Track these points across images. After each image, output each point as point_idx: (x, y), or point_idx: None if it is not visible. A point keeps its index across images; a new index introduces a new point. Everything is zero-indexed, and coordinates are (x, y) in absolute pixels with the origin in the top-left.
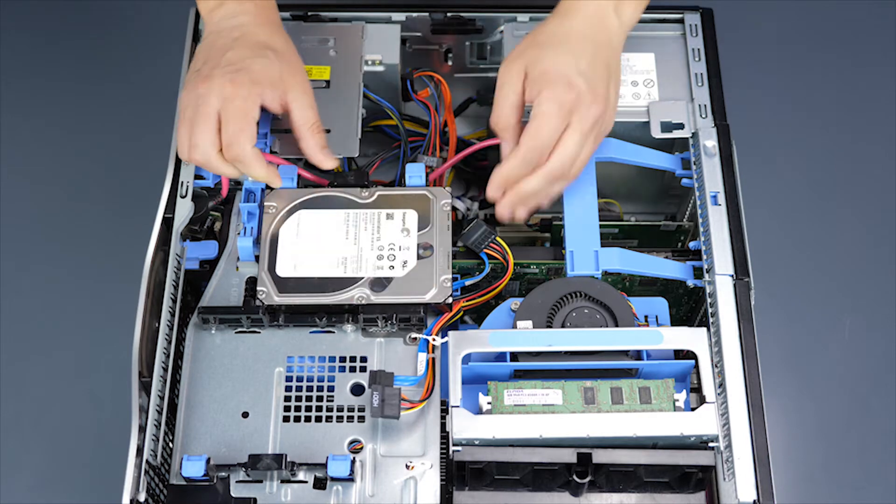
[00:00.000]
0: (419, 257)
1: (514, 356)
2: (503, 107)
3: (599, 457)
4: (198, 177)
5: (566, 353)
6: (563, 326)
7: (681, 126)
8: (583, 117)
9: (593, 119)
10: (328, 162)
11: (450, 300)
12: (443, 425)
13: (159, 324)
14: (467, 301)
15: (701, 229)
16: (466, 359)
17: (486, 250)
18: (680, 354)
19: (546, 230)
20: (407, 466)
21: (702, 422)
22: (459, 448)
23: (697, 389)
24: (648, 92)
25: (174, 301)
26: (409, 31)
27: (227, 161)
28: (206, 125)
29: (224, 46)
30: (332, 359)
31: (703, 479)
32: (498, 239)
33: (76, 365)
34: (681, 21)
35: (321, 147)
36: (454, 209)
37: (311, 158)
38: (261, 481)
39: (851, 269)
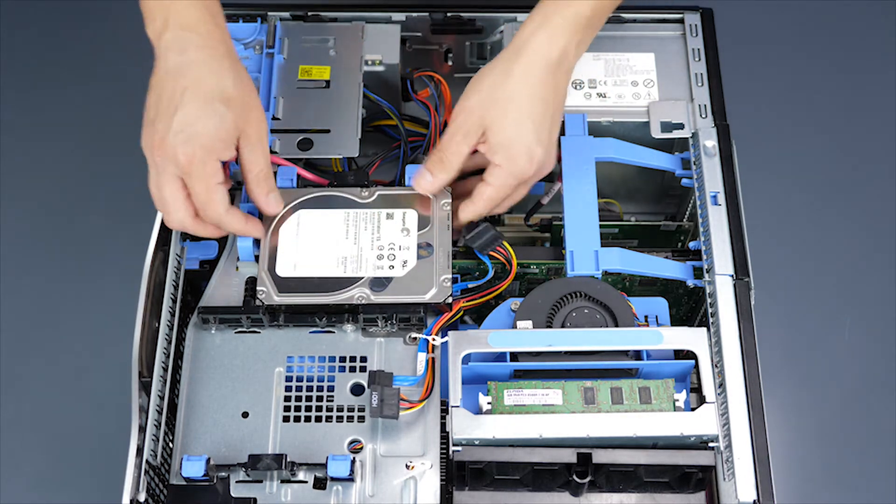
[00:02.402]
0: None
1: (514, 356)
2: (453, 153)
3: (599, 457)
4: None
5: (566, 353)
6: (563, 326)
7: (681, 126)
8: (536, 179)
9: (543, 175)
10: (272, 209)
11: (450, 300)
12: (443, 425)
13: (159, 324)
14: (467, 301)
15: (701, 229)
16: (466, 359)
17: (490, 253)
18: (680, 354)
19: (546, 230)
20: (407, 466)
21: (702, 422)
22: (459, 448)
23: (697, 389)
24: (648, 92)
25: (174, 301)
26: (409, 31)
27: (205, 222)
28: (173, 197)
29: (172, 100)
30: (332, 359)
31: (703, 479)
32: (504, 243)
33: (76, 365)
34: (681, 21)
35: (265, 193)
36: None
37: (256, 204)
38: (261, 481)
39: (851, 269)
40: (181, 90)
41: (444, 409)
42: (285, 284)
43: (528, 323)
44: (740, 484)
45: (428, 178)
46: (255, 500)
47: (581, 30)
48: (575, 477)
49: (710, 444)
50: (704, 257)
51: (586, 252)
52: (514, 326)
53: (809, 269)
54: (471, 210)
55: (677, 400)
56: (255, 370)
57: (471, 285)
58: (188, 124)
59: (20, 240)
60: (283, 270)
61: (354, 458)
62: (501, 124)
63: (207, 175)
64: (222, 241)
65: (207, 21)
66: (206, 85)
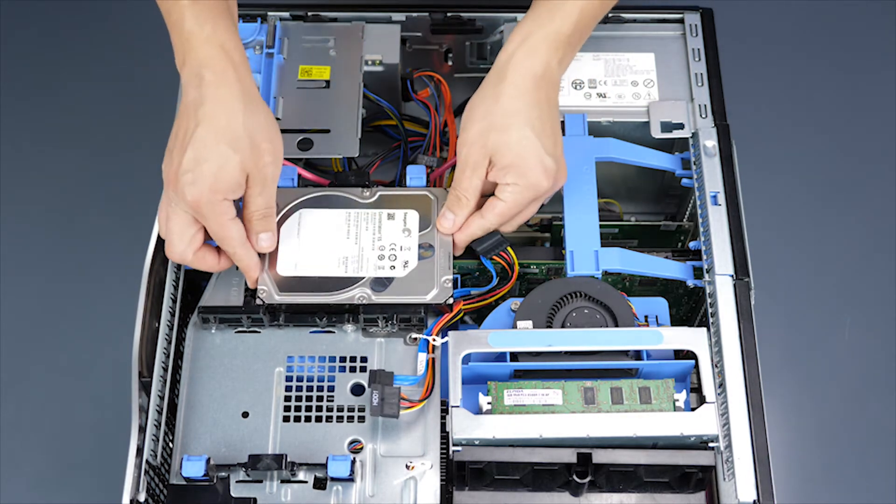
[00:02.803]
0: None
1: (514, 356)
2: (466, 189)
3: (599, 457)
4: None
5: (566, 353)
6: (563, 326)
7: (681, 126)
8: (551, 192)
9: (558, 189)
10: (259, 248)
11: (450, 301)
12: (443, 425)
13: (159, 324)
14: (466, 304)
15: (701, 229)
16: (466, 359)
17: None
18: (680, 354)
19: (546, 230)
20: (407, 466)
21: (702, 422)
22: (459, 448)
23: (697, 389)
24: (648, 92)
25: (174, 301)
26: (409, 31)
27: (204, 260)
28: (180, 232)
29: (186, 135)
30: (333, 359)
31: (703, 479)
32: (508, 248)
33: (76, 365)
34: (681, 21)
35: (256, 233)
36: None
37: (250, 241)
38: (261, 481)
39: (851, 269)
40: (193, 127)
41: (444, 409)
42: (286, 284)
43: (528, 323)
44: (740, 484)
45: (449, 216)
46: (255, 500)
47: (562, 47)
48: (575, 477)
49: (710, 444)
50: (704, 257)
51: (586, 252)
52: (514, 326)
53: (809, 269)
54: (478, 224)
55: (677, 400)
56: (255, 370)
57: (474, 292)
58: (195, 164)
59: (20, 240)
60: (283, 270)
61: (354, 458)
62: (506, 145)
63: (217, 214)
64: None
65: (222, 59)
66: (216, 125)
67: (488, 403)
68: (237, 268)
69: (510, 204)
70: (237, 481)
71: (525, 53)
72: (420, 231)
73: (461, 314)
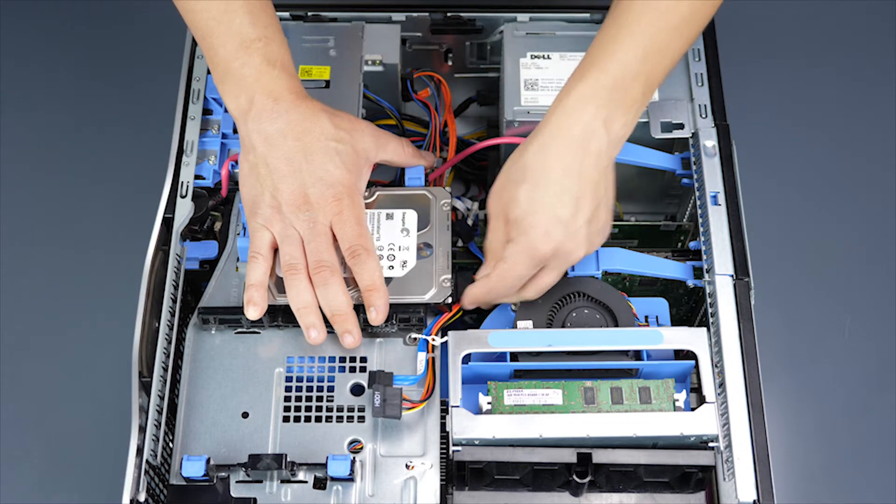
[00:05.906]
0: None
1: (514, 356)
2: (491, 240)
3: (599, 457)
4: (198, 177)
5: (566, 353)
6: (563, 326)
7: (681, 126)
8: (560, 263)
9: (571, 262)
10: (424, 162)
11: (449, 300)
12: (443, 425)
13: (159, 324)
14: None
15: (701, 229)
16: (466, 359)
17: None
18: (680, 354)
19: None
20: (407, 466)
21: (702, 422)
22: (459, 448)
23: (697, 389)
24: None
25: (174, 301)
26: (409, 31)
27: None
28: (306, 281)
29: (290, 161)
30: (332, 359)
31: (703, 479)
32: None
33: (76, 365)
34: None
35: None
36: (454, 209)
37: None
38: (261, 481)
39: (851, 269)
40: (292, 150)
41: (444, 409)
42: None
43: (529, 323)
44: (740, 484)
45: (485, 266)
46: (255, 500)
47: (604, 105)
48: (575, 477)
49: (710, 444)
50: (704, 257)
51: None
52: (515, 326)
53: (809, 269)
54: (480, 284)
55: (677, 400)
56: (255, 370)
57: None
58: (324, 171)
59: (20, 239)
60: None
61: (354, 458)
62: (515, 199)
63: (357, 206)
64: (222, 242)
65: (293, 88)
66: (312, 134)
67: (488, 403)
68: (237, 267)
69: (510, 264)
70: (237, 481)
71: (562, 112)
72: (419, 231)
73: (460, 313)
